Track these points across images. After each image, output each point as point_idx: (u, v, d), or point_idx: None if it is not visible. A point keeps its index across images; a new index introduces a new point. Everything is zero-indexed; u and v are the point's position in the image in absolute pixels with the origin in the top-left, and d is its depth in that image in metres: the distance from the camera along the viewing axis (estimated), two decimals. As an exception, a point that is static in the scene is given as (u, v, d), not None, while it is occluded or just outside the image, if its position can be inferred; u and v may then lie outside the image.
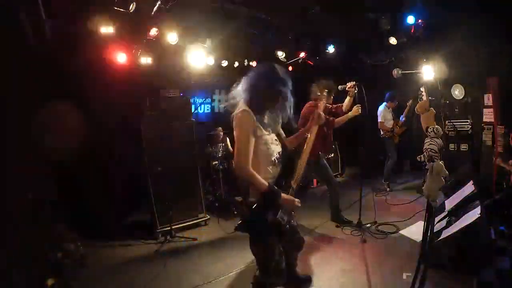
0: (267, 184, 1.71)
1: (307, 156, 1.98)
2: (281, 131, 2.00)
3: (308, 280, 2.62)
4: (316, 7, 4.22)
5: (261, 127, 1.78)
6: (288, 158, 1.87)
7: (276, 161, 1.83)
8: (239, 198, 1.92)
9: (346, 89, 3.57)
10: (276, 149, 1.85)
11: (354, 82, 3.51)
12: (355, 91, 3.52)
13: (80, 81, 3.98)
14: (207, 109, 6.33)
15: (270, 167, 1.81)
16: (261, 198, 1.72)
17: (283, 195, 1.74)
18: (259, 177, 1.71)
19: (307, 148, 2.01)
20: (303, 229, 3.90)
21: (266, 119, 1.82)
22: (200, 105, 6.17)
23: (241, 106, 1.78)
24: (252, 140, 1.72)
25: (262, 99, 1.78)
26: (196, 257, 3.43)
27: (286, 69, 1.90)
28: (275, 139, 1.87)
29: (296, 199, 1.80)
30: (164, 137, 3.97)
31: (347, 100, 3.72)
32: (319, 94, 2.43)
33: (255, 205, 1.73)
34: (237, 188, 1.90)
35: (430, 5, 4.17)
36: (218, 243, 3.77)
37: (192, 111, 5.25)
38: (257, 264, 1.96)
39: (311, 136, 2.06)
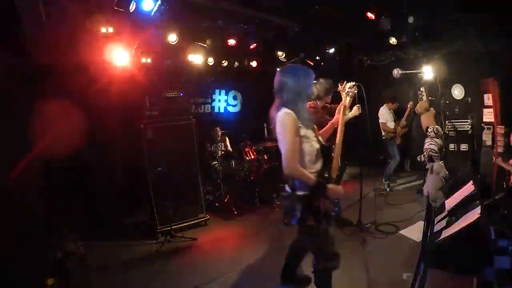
0: (314, 178, 1.83)
1: (341, 147, 2.12)
2: (314, 127, 2.09)
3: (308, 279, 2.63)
4: (316, 7, 4.22)
5: (303, 126, 1.87)
6: (324, 151, 1.97)
7: (318, 156, 1.94)
8: (286, 193, 2.00)
9: (346, 89, 3.55)
10: (316, 145, 1.95)
11: (354, 83, 3.50)
12: (355, 91, 3.51)
13: (80, 81, 3.98)
14: (207, 109, 6.33)
15: (314, 162, 1.92)
16: (310, 191, 1.84)
17: (329, 185, 1.87)
18: (308, 174, 1.83)
19: (339, 139, 2.15)
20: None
21: (304, 117, 1.90)
22: (200, 105, 6.18)
23: (279, 107, 1.88)
24: (297, 140, 1.82)
25: (302, 98, 1.90)
26: (196, 257, 3.43)
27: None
28: (314, 135, 1.97)
29: (340, 187, 1.95)
30: (164, 137, 3.97)
31: (347, 100, 3.70)
32: (339, 90, 2.53)
33: (306, 198, 1.85)
34: (284, 182, 2.00)
35: (430, 5, 4.16)
36: (218, 243, 3.77)
37: (192, 110, 5.26)
38: (313, 253, 2.06)
39: (340, 128, 2.19)
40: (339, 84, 2.57)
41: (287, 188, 1.97)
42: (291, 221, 1.95)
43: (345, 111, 2.27)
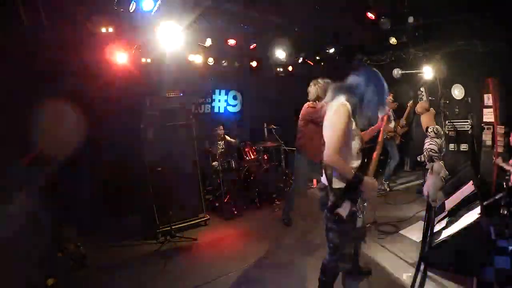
0: (352, 171, 1.84)
1: (380, 150, 2.15)
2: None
3: (368, 271, 2.70)
4: (316, 7, 4.22)
5: (354, 122, 1.91)
6: (364, 153, 2.02)
7: (359, 155, 1.98)
8: (321, 185, 2.03)
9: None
10: (360, 143, 2.00)
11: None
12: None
13: (80, 81, 3.98)
14: (207, 109, 6.33)
15: (356, 158, 1.96)
16: (346, 184, 1.85)
17: (365, 178, 1.86)
18: (348, 166, 1.85)
19: (380, 141, 2.19)
20: (303, 229, 3.90)
21: (357, 115, 1.95)
22: (200, 105, 6.17)
23: (338, 97, 1.91)
24: (345, 132, 1.83)
25: (365, 100, 1.89)
26: (196, 257, 3.43)
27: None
28: (359, 133, 2.01)
29: (375, 180, 1.93)
30: (164, 137, 3.97)
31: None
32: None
33: (341, 190, 1.87)
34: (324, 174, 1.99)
35: (430, 5, 4.16)
36: (218, 243, 3.77)
37: (192, 110, 5.25)
38: (329, 249, 2.08)
39: (381, 135, 2.24)
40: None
41: (323, 180, 2.00)
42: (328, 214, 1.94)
43: (389, 120, 2.31)
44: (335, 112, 1.85)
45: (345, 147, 1.87)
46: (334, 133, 1.81)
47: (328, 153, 1.80)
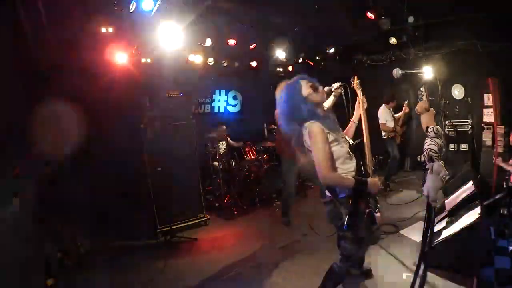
0: (353, 179, 1.83)
1: (369, 140, 2.18)
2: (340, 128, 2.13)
3: (369, 272, 2.71)
4: (316, 7, 4.22)
5: (329, 131, 1.90)
6: (357, 149, 2.00)
7: (351, 155, 1.96)
8: (327, 198, 1.98)
9: (332, 90, 3.53)
10: (345, 145, 1.97)
11: (339, 83, 3.48)
12: (341, 91, 3.48)
13: (80, 81, 3.98)
14: (207, 109, 6.33)
15: (348, 161, 1.93)
16: (353, 192, 1.83)
17: (368, 180, 1.86)
18: (343, 176, 1.85)
19: (366, 135, 2.20)
20: (302, 230, 3.90)
21: (327, 122, 1.94)
22: (200, 105, 6.17)
23: (302, 122, 1.92)
24: (327, 147, 1.84)
25: (317, 107, 1.95)
26: (196, 257, 3.43)
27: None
28: (342, 136, 1.99)
29: (376, 178, 1.95)
30: (164, 137, 3.98)
31: (331, 99, 3.64)
32: (353, 83, 2.50)
33: (349, 199, 1.85)
34: (325, 188, 1.97)
35: (430, 5, 4.16)
36: (218, 243, 3.77)
37: (192, 110, 5.26)
38: (342, 256, 2.04)
39: (364, 123, 2.24)
40: (351, 80, 2.53)
41: (327, 193, 1.96)
42: (342, 227, 1.88)
43: (364, 106, 2.30)
44: (309, 135, 1.87)
45: (335, 157, 1.88)
46: (318, 155, 1.82)
47: (321, 175, 1.81)
